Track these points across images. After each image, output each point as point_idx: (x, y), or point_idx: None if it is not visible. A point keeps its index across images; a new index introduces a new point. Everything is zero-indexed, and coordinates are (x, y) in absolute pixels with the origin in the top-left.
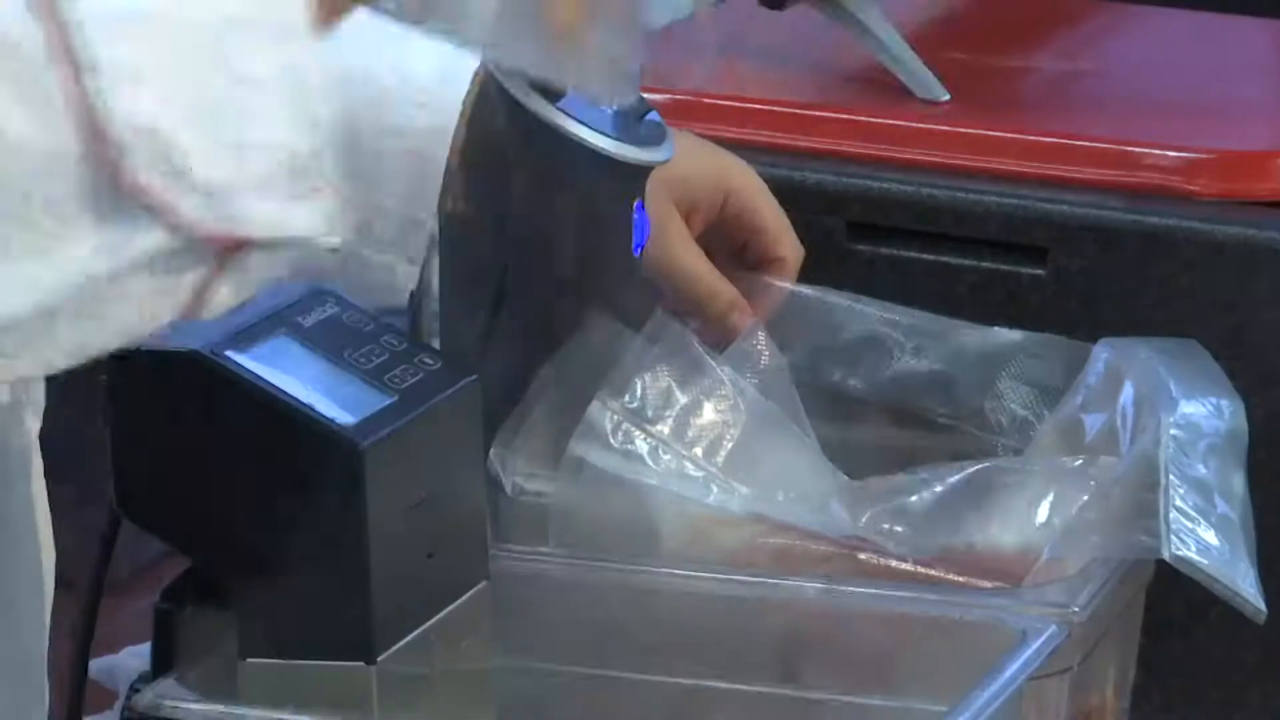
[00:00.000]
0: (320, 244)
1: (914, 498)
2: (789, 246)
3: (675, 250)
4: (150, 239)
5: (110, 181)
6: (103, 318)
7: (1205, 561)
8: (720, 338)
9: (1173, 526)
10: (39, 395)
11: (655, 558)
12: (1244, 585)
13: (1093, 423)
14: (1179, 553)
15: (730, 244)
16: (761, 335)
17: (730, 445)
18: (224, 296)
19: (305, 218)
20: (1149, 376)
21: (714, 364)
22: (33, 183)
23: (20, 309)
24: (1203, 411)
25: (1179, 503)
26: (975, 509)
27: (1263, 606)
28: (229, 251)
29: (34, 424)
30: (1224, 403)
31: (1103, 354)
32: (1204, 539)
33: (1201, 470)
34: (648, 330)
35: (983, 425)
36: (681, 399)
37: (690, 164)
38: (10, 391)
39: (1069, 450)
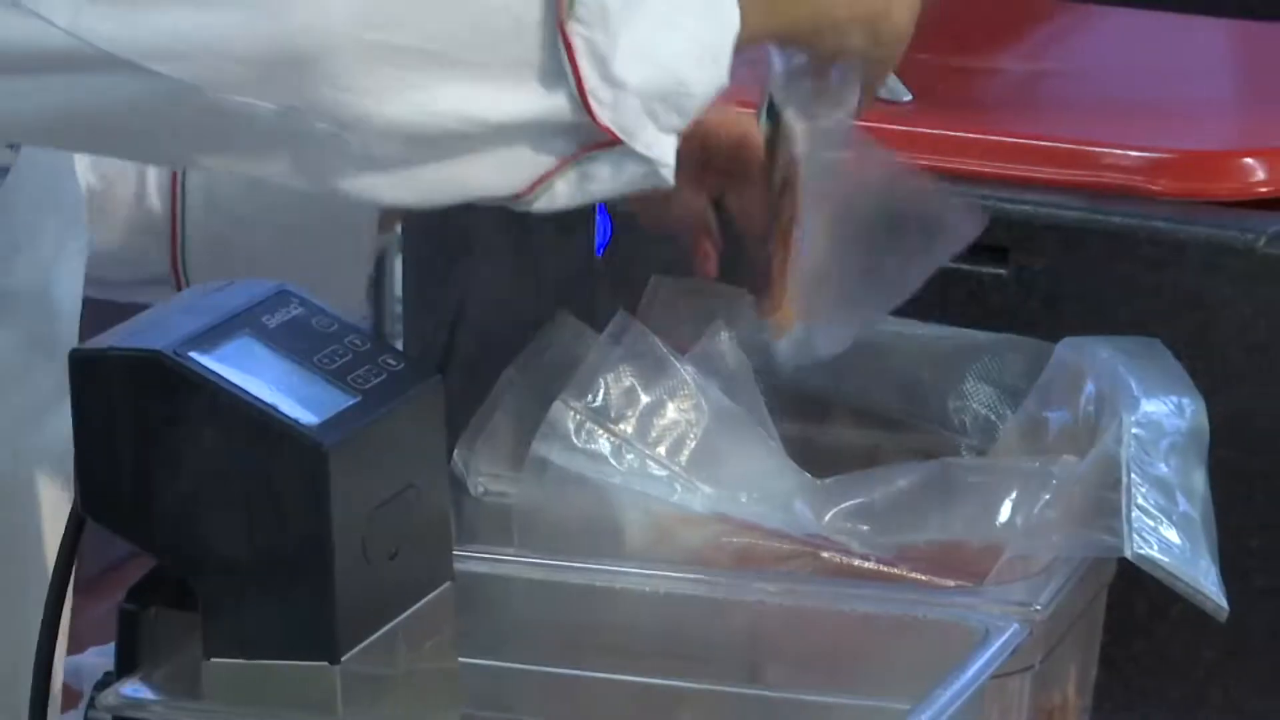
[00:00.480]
0: (661, 174)
1: (876, 497)
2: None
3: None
4: (554, 103)
5: (552, 35)
6: (471, 164)
7: (1167, 559)
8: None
9: (1134, 525)
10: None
11: (619, 558)
12: (1205, 583)
13: (1055, 422)
14: (1141, 551)
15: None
16: (725, 336)
17: (693, 445)
18: (560, 191)
19: (665, 149)
20: (1110, 376)
21: (677, 364)
22: (500, 5)
23: (434, 122)
24: (1164, 410)
25: (1140, 501)
26: (938, 508)
27: (1224, 604)
28: (591, 148)
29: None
30: (1185, 401)
31: (1064, 353)
32: (1165, 537)
33: (1163, 469)
34: (610, 331)
35: (946, 424)
36: (644, 399)
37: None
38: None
39: (1032, 449)
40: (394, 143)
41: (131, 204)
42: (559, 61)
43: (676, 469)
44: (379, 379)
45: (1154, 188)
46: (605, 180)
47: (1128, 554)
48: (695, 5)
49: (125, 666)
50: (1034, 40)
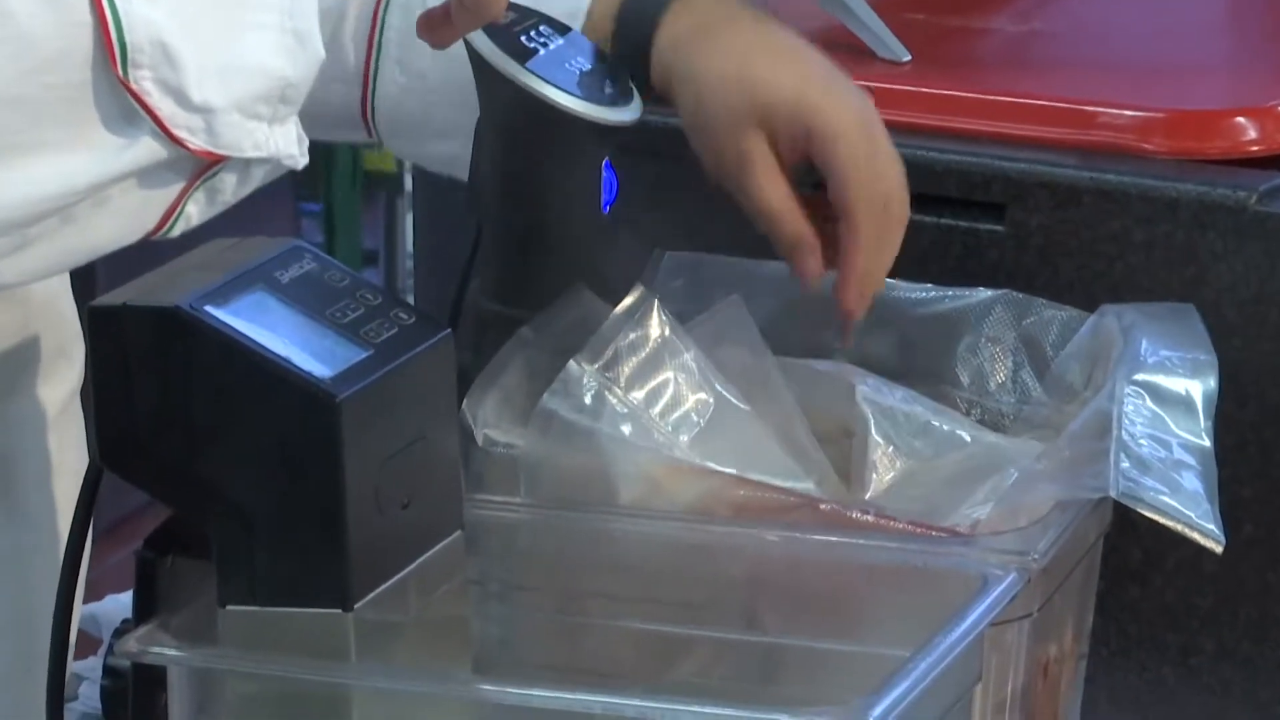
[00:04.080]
0: (287, 164)
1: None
2: (856, 199)
3: (750, 180)
4: (142, 150)
5: (114, 89)
6: (86, 227)
7: (1152, 495)
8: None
9: (1122, 466)
10: (76, 351)
11: (621, 508)
12: (1197, 516)
13: (1081, 388)
14: (1126, 490)
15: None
16: (736, 311)
17: (700, 427)
18: (192, 213)
19: (283, 140)
20: (1130, 339)
21: (691, 345)
22: (47, 77)
23: (15, 209)
24: (1171, 368)
25: (1131, 446)
26: (962, 494)
27: (1221, 536)
28: (206, 169)
29: (66, 378)
30: (1197, 360)
31: (1097, 321)
32: (1155, 479)
33: (1163, 422)
34: (628, 305)
35: (943, 379)
36: (655, 376)
37: (774, 93)
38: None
39: (1059, 415)
40: (6, 234)
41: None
42: (136, 110)
43: (680, 445)
44: (390, 333)
45: (1147, 146)
46: (234, 187)
47: (1113, 493)
48: None
49: (142, 614)
50: (1029, 1)
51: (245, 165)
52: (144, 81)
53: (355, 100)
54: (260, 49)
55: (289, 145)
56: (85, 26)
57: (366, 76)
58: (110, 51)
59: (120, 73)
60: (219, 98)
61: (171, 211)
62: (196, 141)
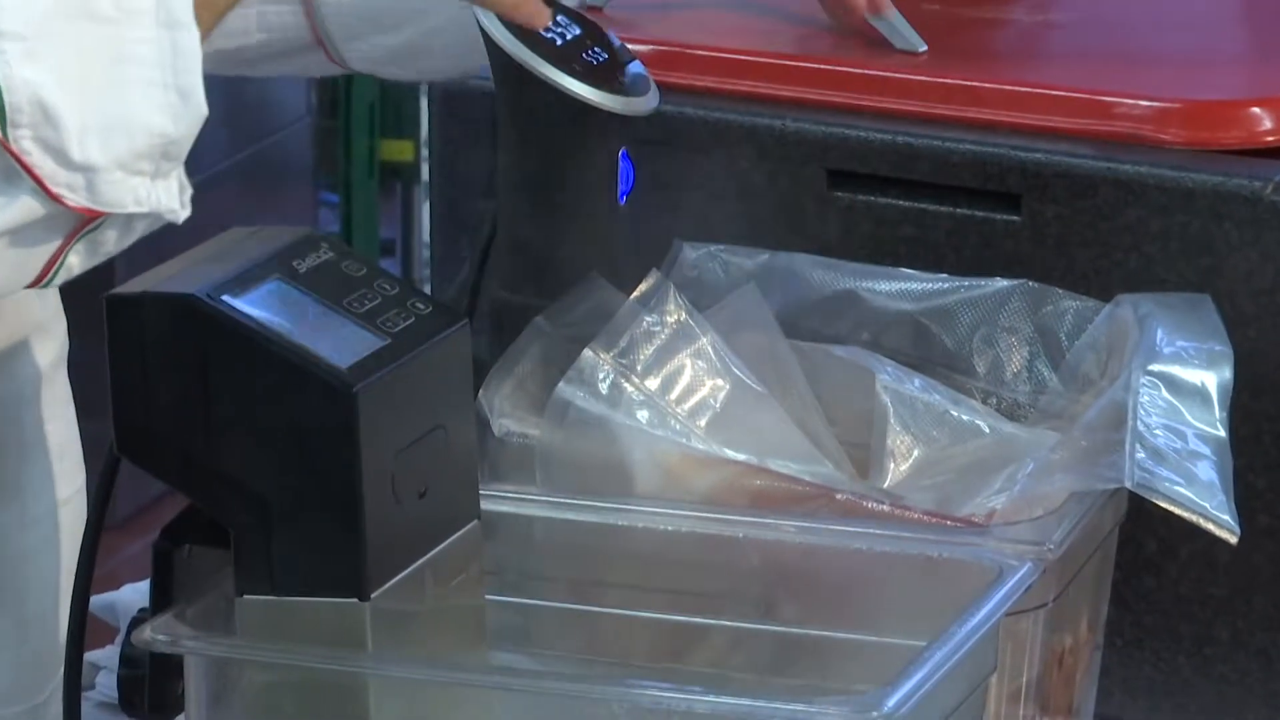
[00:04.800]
0: (169, 218)
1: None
2: None
3: None
4: (20, 208)
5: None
6: None
7: (1167, 485)
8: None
9: (1137, 457)
10: (56, 327)
11: (637, 498)
12: (1212, 506)
13: (1095, 377)
14: (1142, 480)
15: None
16: (752, 298)
17: (715, 411)
18: (74, 264)
19: (165, 195)
20: (1146, 329)
21: (707, 331)
22: None
23: None
24: (1187, 358)
25: (1147, 437)
26: (978, 483)
27: (1235, 526)
28: (86, 223)
29: (45, 352)
30: (1212, 351)
31: (1113, 311)
32: (1170, 469)
33: (1178, 413)
34: (643, 291)
35: (957, 369)
36: (671, 361)
37: None
38: (16, 318)
39: (1073, 406)
40: None
41: None
42: (16, 169)
43: (696, 430)
44: (407, 322)
45: (1163, 136)
46: (115, 240)
47: (1128, 483)
48: (143, 51)
49: (159, 603)
50: None
51: (128, 219)
52: (23, 141)
53: (301, 16)
54: (143, 107)
55: (170, 200)
56: None
57: None
58: None
59: (2, 137)
60: (100, 156)
61: (52, 264)
62: (76, 199)
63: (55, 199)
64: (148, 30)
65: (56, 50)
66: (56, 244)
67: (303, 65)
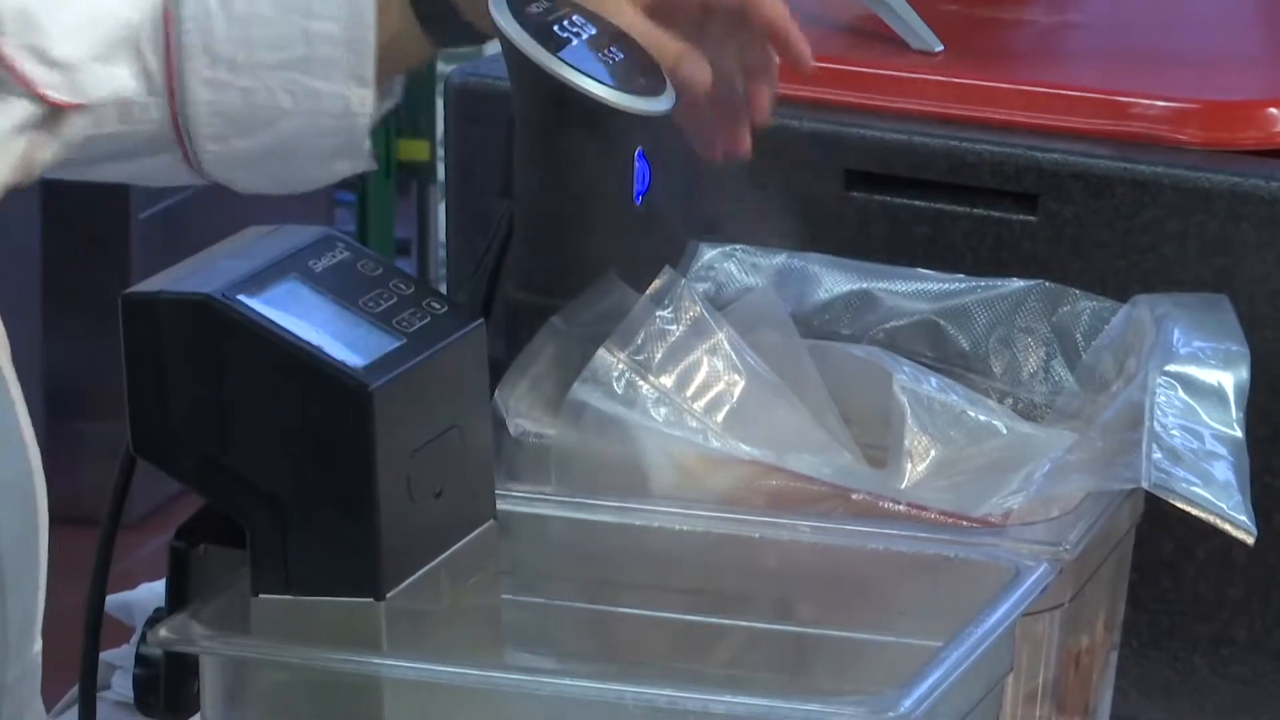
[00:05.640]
0: (137, 107)
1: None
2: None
3: (611, 6)
4: (11, 111)
5: None
6: None
7: (1184, 486)
8: (684, 95)
9: (1154, 457)
10: None
11: (653, 498)
12: (1229, 507)
13: (1112, 377)
14: (1159, 480)
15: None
16: (767, 297)
17: (730, 406)
18: (48, 158)
19: (128, 79)
20: (1163, 330)
21: (722, 326)
22: None
23: None
24: (1203, 359)
25: (1163, 438)
26: (994, 484)
27: (1252, 527)
28: (55, 116)
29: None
30: (1228, 351)
31: (1130, 311)
32: (1187, 470)
33: (1195, 413)
34: (656, 289)
35: (973, 369)
36: (686, 357)
37: None
38: None
39: (1090, 405)
40: None
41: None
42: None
43: (713, 426)
44: (423, 322)
45: (1180, 137)
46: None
47: (1144, 483)
48: None
49: (175, 602)
50: None
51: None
52: (7, 47)
53: (166, 109)
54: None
55: (134, 84)
56: None
57: (170, 82)
58: None
59: None
60: (76, 51)
61: (29, 159)
62: (60, 95)
63: (42, 98)
64: None
65: None
66: (29, 136)
67: (151, 167)
